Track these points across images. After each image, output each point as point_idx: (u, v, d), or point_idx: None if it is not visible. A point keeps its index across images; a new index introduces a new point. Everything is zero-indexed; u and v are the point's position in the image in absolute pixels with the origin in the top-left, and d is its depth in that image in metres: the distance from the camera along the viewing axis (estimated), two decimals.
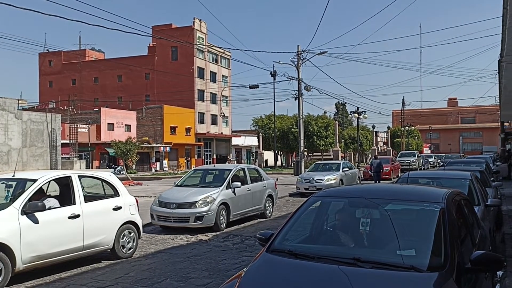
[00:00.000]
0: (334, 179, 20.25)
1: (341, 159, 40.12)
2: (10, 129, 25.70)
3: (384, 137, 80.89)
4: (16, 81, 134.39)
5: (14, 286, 6.49)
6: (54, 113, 30.48)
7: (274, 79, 42.70)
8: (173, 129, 55.67)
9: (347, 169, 22.41)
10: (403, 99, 67.25)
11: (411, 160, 39.48)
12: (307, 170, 25.13)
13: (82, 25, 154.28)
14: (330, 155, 54.31)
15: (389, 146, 67.60)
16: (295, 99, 33.69)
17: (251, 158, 69.89)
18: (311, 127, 53.91)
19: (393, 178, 27.73)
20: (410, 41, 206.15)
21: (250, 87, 38.00)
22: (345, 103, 70.74)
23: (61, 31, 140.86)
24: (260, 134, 58.21)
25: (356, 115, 44.70)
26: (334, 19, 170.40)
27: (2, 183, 7.93)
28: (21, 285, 6.59)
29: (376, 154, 33.27)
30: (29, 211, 6.77)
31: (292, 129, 53.73)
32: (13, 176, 7.68)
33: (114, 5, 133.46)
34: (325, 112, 64.72)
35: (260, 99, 69.53)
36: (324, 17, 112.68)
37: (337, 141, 55.08)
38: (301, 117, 33.98)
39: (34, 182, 7.24)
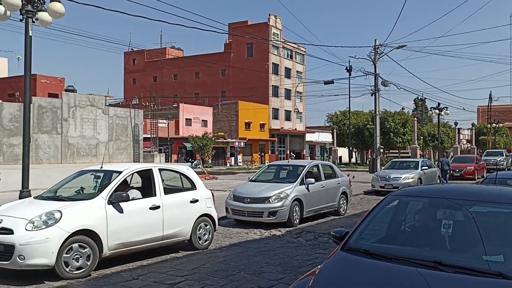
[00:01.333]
0: (412, 178, 19.46)
1: (420, 157, 38.39)
2: (98, 123, 27.51)
3: (467, 135, 76.40)
4: (104, 78, 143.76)
5: (101, 271, 6.95)
6: (137, 109, 32.20)
7: (350, 74, 41.75)
8: (247, 125, 56.51)
9: (426, 167, 21.42)
10: (490, 94, 63.07)
11: (498, 159, 36.83)
12: (383, 167, 24.41)
13: (163, 24, 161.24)
14: (407, 153, 52.25)
15: (473, 144, 63.58)
16: (371, 95, 32.81)
17: (325, 155, 69.15)
18: (388, 123, 52.18)
19: (478, 178, 26.10)
20: (498, 33, 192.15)
21: (325, 83, 37.61)
22: (425, 98, 67.13)
23: (144, 31, 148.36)
24: (335, 130, 57.33)
25: (437, 111, 42.50)
26: (414, 11, 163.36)
27: (91, 174, 8.52)
28: (107, 270, 7.05)
29: (445, 153, 31.50)
30: (114, 201, 7.21)
31: (368, 126, 52.36)
32: (101, 168, 8.22)
33: (193, 3, 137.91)
34: (402, 108, 62.01)
35: (335, 95, 68.61)
36: (403, 9, 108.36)
37: (416, 138, 52.80)
38: (377, 113, 33.03)
39: (119, 174, 7.69)
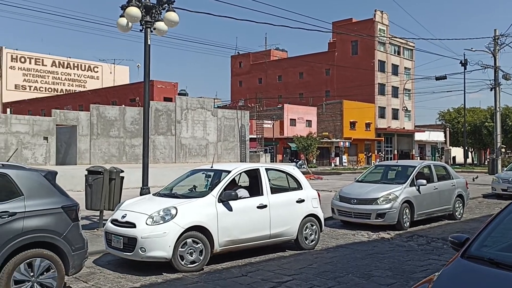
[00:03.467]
0: None
1: None
2: (208, 125, 28.92)
3: None
4: (213, 82, 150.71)
5: (212, 266, 7.27)
6: (243, 110, 33.24)
7: (465, 68, 38.92)
8: (352, 124, 55.32)
9: None
10: None
11: None
12: (505, 169, 22.28)
13: (268, 27, 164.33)
14: None
15: None
16: (491, 90, 30.18)
17: (437, 155, 65.12)
18: (510, 120, 47.60)
19: None
20: None
21: (437, 79, 35.40)
22: None
23: (249, 34, 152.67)
24: (447, 128, 53.73)
25: None
26: None
27: (202, 173, 8.98)
28: (218, 265, 7.35)
29: None
30: (224, 199, 7.50)
31: (486, 123, 48.27)
32: (211, 167, 8.60)
33: (297, 4, 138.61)
34: None
35: (447, 91, 64.00)
36: None
37: None
38: (497, 109, 30.26)
39: (228, 173, 7.99)
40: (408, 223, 10.94)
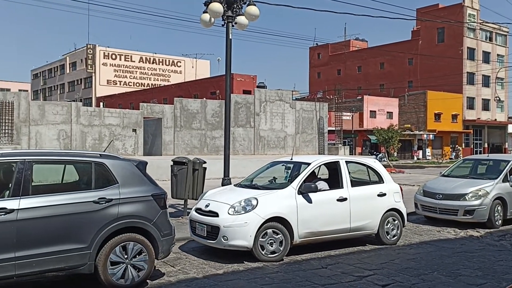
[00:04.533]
0: None
1: None
2: (286, 117, 29.01)
3: None
4: (291, 74, 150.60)
5: (292, 257, 7.35)
6: (321, 102, 32.92)
7: None
8: (437, 116, 52.61)
9: None
10: None
11: None
12: None
13: (347, 17, 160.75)
14: None
15: None
16: None
17: None
18: None
19: None
20: None
21: None
22: None
23: (328, 25, 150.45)
24: None
25: None
26: None
27: (282, 165, 9.07)
28: (297, 256, 7.41)
29: None
30: (304, 191, 7.53)
31: None
32: (291, 159, 8.66)
33: None
34: None
35: None
36: None
37: None
38: None
39: (308, 166, 8.00)
40: (500, 221, 10.29)
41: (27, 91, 40.95)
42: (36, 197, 5.19)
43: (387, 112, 52.25)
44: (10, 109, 20.18)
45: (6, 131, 20.04)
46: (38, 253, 5.03)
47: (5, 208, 4.95)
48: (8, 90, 60.12)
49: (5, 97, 20.91)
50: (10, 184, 5.17)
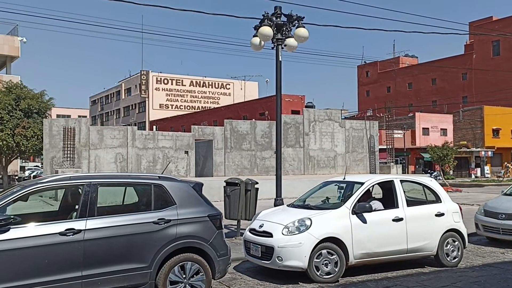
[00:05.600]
0: None
1: None
2: (336, 136, 28.77)
3: None
4: (339, 93, 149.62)
5: (348, 278, 7.23)
6: (371, 120, 32.41)
7: None
8: (495, 132, 50.33)
9: None
10: None
11: None
12: None
13: (396, 34, 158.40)
14: None
15: None
16: None
17: None
18: None
19: None
20: None
21: None
22: None
23: (376, 42, 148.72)
24: None
25: None
26: None
27: (335, 185, 9.00)
28: (353, 278, 7.29)
29: None
30: (358, 211, 7.43)
31: None
32: (344, 179, 8.59)
33: (428, 7, 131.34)
34: None
35: None
36: None
37: None
38: None
39: (361, 185, 7.90)
40: None
41: (86, 117, 43.12)
42: (100, 218, 5.46)
43: (441, 129, 50.62)
44: (72, 135, 21.30)
45: (69, 155, 21.11)
46: (103, 272, 5.27)
47: (73, 229, 5.23)
48: (69, 116, 63.48)
49: (67, 123, 22.13)
50: (77, 206, 5.48)
